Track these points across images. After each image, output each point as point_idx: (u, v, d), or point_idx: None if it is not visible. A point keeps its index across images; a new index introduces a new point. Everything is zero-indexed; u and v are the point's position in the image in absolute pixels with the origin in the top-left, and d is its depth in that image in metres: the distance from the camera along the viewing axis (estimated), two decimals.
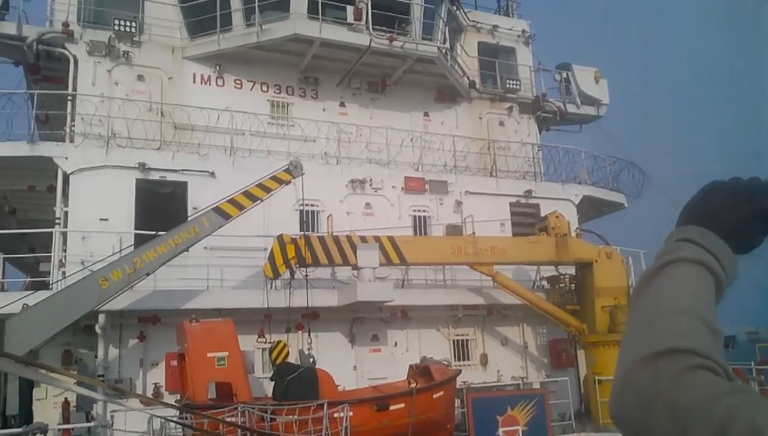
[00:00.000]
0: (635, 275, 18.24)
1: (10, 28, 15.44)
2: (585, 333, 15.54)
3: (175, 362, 12.46)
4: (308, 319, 13.85)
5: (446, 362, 15.12)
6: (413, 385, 12.33)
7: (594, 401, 14.92)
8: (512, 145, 20.17)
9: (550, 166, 20.36)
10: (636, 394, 0.99)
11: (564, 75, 22.34)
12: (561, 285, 16.73)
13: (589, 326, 15.50)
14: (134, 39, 16.39)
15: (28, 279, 16.02)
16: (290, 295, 13.40)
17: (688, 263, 1.14)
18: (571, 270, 16.67)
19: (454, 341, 16.73)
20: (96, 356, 12.93)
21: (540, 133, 21.90)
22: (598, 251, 15.96)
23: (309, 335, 13.44)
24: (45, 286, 12.94)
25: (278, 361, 12.18)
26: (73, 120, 15.33)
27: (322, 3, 16.53)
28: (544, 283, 17.49)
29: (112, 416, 11.66)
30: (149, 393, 13.23)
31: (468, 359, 16.74)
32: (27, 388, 10.78)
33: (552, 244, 15.71)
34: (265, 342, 12.95)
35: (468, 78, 20.55)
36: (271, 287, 13.72)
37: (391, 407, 11.57)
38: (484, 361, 16.85)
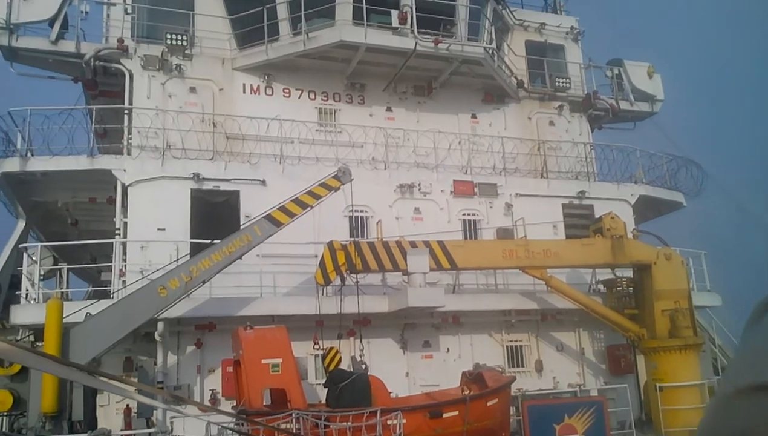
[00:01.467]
0: (696, 277, 17.61)
1: (69, 46, 16.07)
2: (645, 338, 15.03)
3: (230, 369, 12.68)
4: (360, 325, 13.89)
5: (500, 369, 14.90)
6: (467, 392, 12.19)
7: (655, 408, 14.41)
8: (563, 145, 19.73)
9: (603, 166, 19.81)
10: (729, 425, 0.92)
11: (616, 71, 21.76)
12: (618, 288, 16.24)
13: (649, 330, 14.98)
14: (186, 52, 16.80)
15: (91, 288, 16.63)
16: (341, 301, 13.47)
17: None
18: (629, 273, 16.17)
19: (507, 347, 16.45)
20: (155, 363, 13.29)
21: (592, 131, 21.37)
22: (656, 252, 15.42)
23: (361, 341, 13.47)
24: (106, 295, 13.38)
25: (331, 367, 12.27)
26: (129, 133, 15.82)
27: (366, 9, 16.56)
28: (600, 286, 17.02)
29: (171, 423, 11.96)
30: (206, 399, 13.52)
31: (522, 366, 16.43)
32: (91, 395, 11.16)
33: (607, 246, 15.27)
34: (318, 349, 13.04)
35: (516, 78, 20.21)
36: (322, 294, 13.80)
37: (445, 415, 11.46)
38: (539, 367, 16.51)
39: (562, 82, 20.65)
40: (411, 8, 17.02)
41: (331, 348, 12.57)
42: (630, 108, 21.63)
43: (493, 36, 19.21)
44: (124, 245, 14.30)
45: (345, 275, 13.61)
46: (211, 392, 13.68)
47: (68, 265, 15.16)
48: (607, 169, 19.54)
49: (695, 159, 20.35)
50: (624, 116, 21.87)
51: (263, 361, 11.27)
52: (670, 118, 22.48)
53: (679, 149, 20.55)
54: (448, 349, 15.79)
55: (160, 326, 12.72)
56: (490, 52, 18.55)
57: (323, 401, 12.30)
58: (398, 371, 14.96)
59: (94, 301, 12.38)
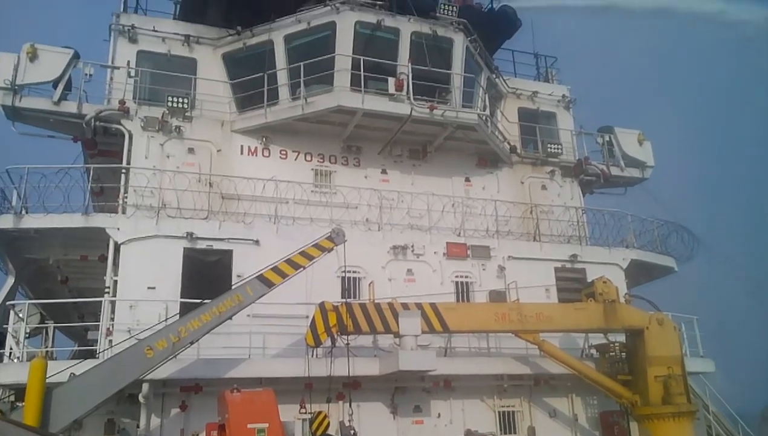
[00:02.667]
0: (689, 343, 17.49)
1: (71, 107, 16.41)
2: (638, 405, 14.78)
3: (215, 433, 12.36)
4: (349, 388, 13.66)
5: None
6: None
7: None
8: (555, 209, 19.98)
9: (595, 230, 19.99)
10: None
11: (606, 138, 22.24)
12: (611, 354, 16.08)
13: (642, 397, 14.75)
14: (186, 114, 17.19)
15: (76, 348, 16.41)
16: (331, 363, 13.32)
17: None
18: (621, 337, 16.06)
19: (499, 412, 16.11)
20: (138, 426, 12.97)
21: (584, 196, 21.66)
22: (648, 317, 15.35)
23: (350, 405, 13.23)
24: (92, 354, 13.21)
25: (319, 433, 12.00)
26: (126, 192, 15.98)
27: (364, 76, 17.09)
28: (593, 351, 16.86)
29: None
30: None
31: (514, 432, 16.04)
32: None
33: (600, 310, 15.23)
34: (306, 412, 12.78)
35: (509, 143, 20.65)
36: (312, 356, 13.64)
37: None
38: (531, 434, 16.12)
39: (554, 148, 21.07)
40: (407, 76, 17.55)
41: (320, 412, 12.33)
42: (621, 174, 22.00)
43: (487, 103, 19.73)
44: (112, 303, 14.21)
45: (336, 337, 13.50)
46: None
47: (55, 323, 15.03)
48: (599, 234, 19.72)
49: (686, 224, 20.57)
50: (615, 182, 22.21)
51: (249, 426, 10.99)
52: (660, 183, 22.85)
53: (669, 214, 20.81)
54: (439, 414, 15.47)
55: (145, 387, 12.50)
56: (484, 118, 19.02)
57: None
58: None
59: (80, 360, 12.19)
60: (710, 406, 18.37)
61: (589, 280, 17.14)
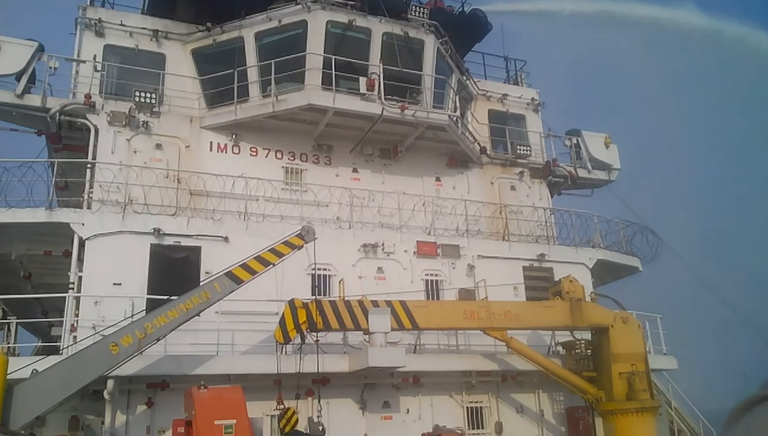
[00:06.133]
0: (652, 340, 17.90)
1: (35, 100, 16.05)
2: (603, 401, 15.09)
3: (182, 429, 12.20)
4: (318, 385, 13.63)
5: (460, 431, 14.70)
6: None
7: None
8: (524, 210, 20.26)
9: (563, 230, 20.34)
10: None
11: (574, 141, 22.65)
12: (577, 351, 16.37)
13: (607, 393, 15.06)
14: (154, 110, 16.97)
15: (40, 344, 16.03)
16: (301, 360, 13.27)
17: None
18: (587, 335, 16.36)
19: (467, 408, 16.26)
20: (103, 423, 12.74)
21: (552, 197, 22.01)
22: (613, 315, 15.70)
23: (319, 401, 13.22)
24: (56, 351, 12.93)
25: (287, 429, 11.96)
26: (91, 187, 15.69)
27: (335, 75, 17.10)
28: (560, 348, 17.14)
29: None
30: None
31: (482, 428, 16.20)
32: None
33: (566, 308, 15.50)
34: (277, 409, 12.71)
35: (479, 144, 20.88)
36: (281, 353, 13.58)
37: None
38: (498, 429, 16.30)
39: (523, 150, 21.38)
40: (378, 76, 17.61)
41: (288, 409, 12.28)
42: (588, 176, 22.43)
43: (458, 104, 19.90)
44: (77, 299, 13.93)
45: (305, 334, 13.46)
46: None
47: (18, 318, 14.66)
48: (566, 234, 20.05)
49: (651, 225, 21.06)
50: (582, 183, 22.63)
51: (216, 422, 10.90)
52: (626, 185, 23.35)
53: (635, 216, 21.28)
54: (408, 410, 15.53)
55: (110, 384, 12.28)
56: (454, 119, 19.19)
57: None
58: (357, 433, 14.62)
59: (43, 357, 11.91)
60: (672, 402, 18.82)
61: (556, 279, 17.41)
